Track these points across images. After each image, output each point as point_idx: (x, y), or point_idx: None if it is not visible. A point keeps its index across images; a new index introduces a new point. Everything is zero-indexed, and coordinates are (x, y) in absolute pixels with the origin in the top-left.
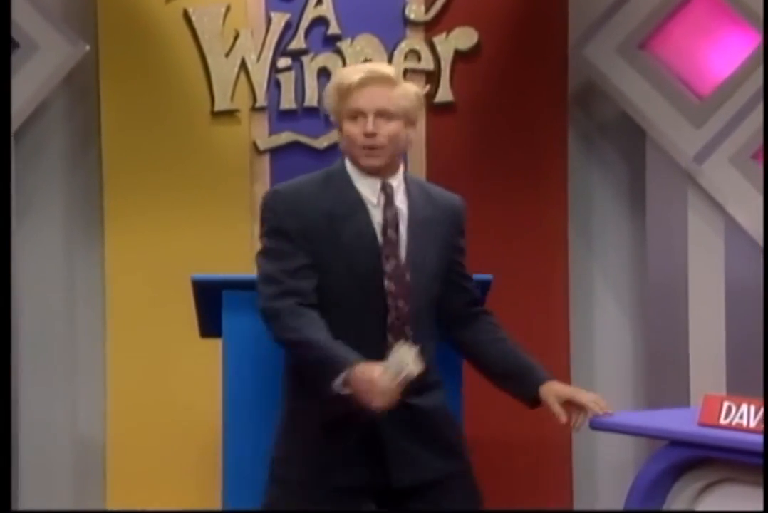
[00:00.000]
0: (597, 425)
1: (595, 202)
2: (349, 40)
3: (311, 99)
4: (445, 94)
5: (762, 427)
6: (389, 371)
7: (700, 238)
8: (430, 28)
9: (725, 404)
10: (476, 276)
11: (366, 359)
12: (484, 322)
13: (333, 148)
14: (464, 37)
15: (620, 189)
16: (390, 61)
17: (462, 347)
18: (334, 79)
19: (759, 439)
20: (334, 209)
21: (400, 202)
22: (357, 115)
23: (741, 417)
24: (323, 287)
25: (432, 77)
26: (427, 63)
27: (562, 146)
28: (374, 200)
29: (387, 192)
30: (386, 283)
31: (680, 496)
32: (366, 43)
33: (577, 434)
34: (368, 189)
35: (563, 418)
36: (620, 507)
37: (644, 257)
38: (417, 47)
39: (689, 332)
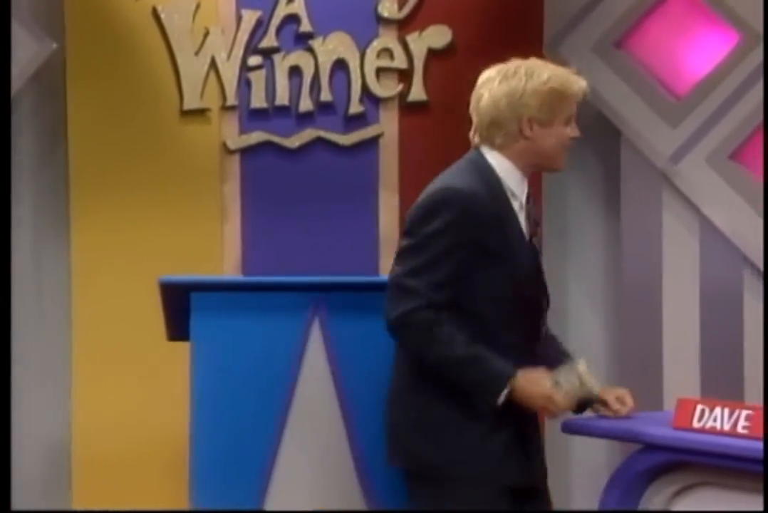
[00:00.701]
0: (569, 428)
1: (569, 202)
2: (321, 39)
3: (282, 98)
4: (418, 92)
5: (738, 430)
6: (566, 387)
7: (675, 238)
8: (404, 26)
9: (699, 408)
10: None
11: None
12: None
13: (305, 148)
14: (438, 36)
15: (595, 189)
16: (362, 59)
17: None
18: (552, 82)
19: (733, 442)
20: (500, 212)
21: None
22: (571, 119)
23: (715, 420)
24: (480, 294)
25: (405, 76)
26: (400, 61)
27: None
28: (522, 200)
29: (529, 192)
30: (538, 287)
31: (654, 499)
32: (338, 41)
33: (550, 437)
34: (518, 188)
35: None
36: None
37: (619, 258)
38: (390, 45)
39: (663, 334)
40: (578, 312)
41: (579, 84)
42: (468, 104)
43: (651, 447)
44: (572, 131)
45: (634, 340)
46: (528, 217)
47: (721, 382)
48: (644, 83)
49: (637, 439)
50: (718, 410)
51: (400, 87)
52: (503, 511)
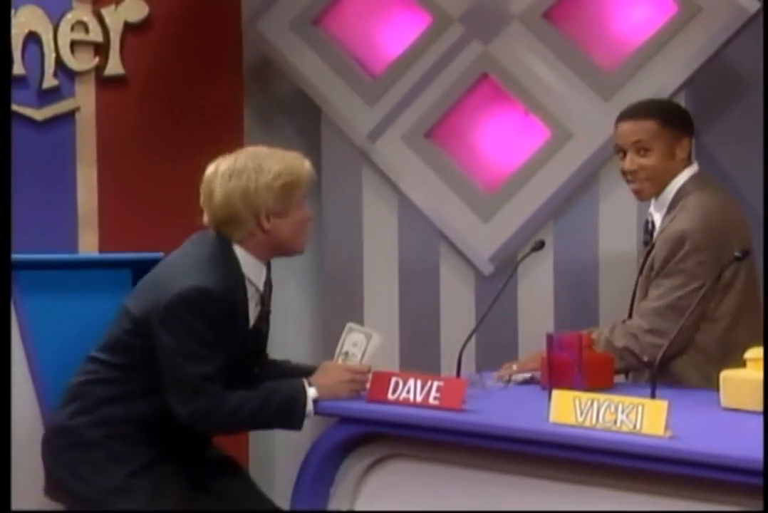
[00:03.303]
0: None
1: None
2: (12, 11)
3: None
4: (115, 66)
5: (430, 401)
6: (355, 350)
7: (375, 214)
8: None
9: (393, 380)
10: (145, 254)
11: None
12: None
13: None
14: (134, 9)
15: None
16: (56, 32)
17: None
18: (283, 176)
19: (424, 413)
20: (234, 308)
21: None
22: (303, 200)
23: (408, 392)
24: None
25: (101, 49)
26: (95, 35)
27: (238, 121)
28: (260, 287)
29: (268, 277)
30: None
31: (349, 472)
32: (30, 14)
33: None
34: (257, 278)
35: None
36: None
37: (321, 235)
38: (84, 19)
39: (364, 306)
40: (282, 285)
41: (305, 168)
42: (168, 79)
43: (346, 420)
44: (307, 212)
45: (336, 315)
46: (262, 301)
47: (419, 353)
48: (341, 61)
49: (333, 413)
50: (411, 382)
51: (96, 61)
52: None
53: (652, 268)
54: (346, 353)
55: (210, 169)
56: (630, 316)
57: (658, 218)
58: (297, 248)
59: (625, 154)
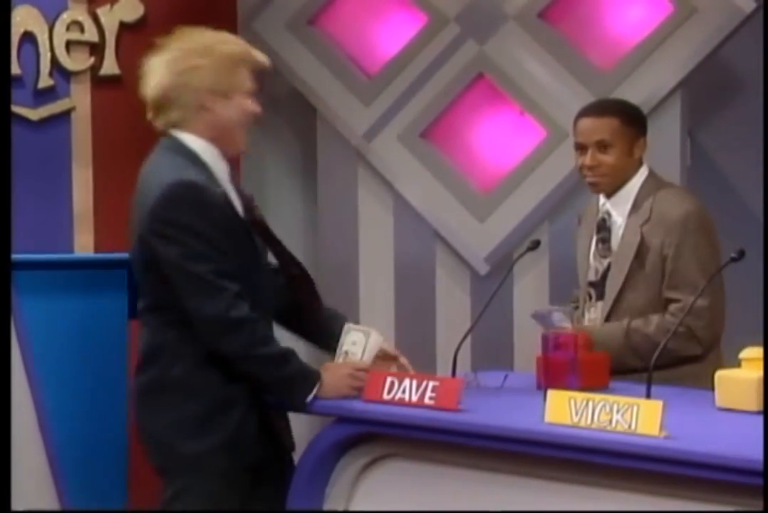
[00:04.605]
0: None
1: (269, 179)
2: None
3: None
4: (110, 66)
5: (425, 401)
6: (355, 349)
7: (370, 214)
8: None
9: (389, 380)
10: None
11: None
12: None
13: None
14: (129, 9)
15: (294, 166)
16: (51, 32)
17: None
18: (226, 48)
19: (419, 413)
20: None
21: None
22: (251, 94)
23: (404, 392)
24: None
25: (96, 49)
26: (90, 35)
27: None
28: (227, 177)
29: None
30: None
31: (344, 472)
32: (25, 14)
33: None
34: (220, 166)
35: None
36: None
37: (317, 233)
38: (80, 18)
39: (360, 306)
40: None
41: (250, 49)
42: None
43: (342, 420)
44: (254, 105)
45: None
46: (248, 209)
47: (414, 353)
48: (337, 61)
49: (329, 412)
50: (407, 382)
51: (92, 60)
52: None
53: (642, 258)
54: (347, 352)
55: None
56: (590, 297)
57: (617, 215)
58: (240, 143)
59: (584, 149)
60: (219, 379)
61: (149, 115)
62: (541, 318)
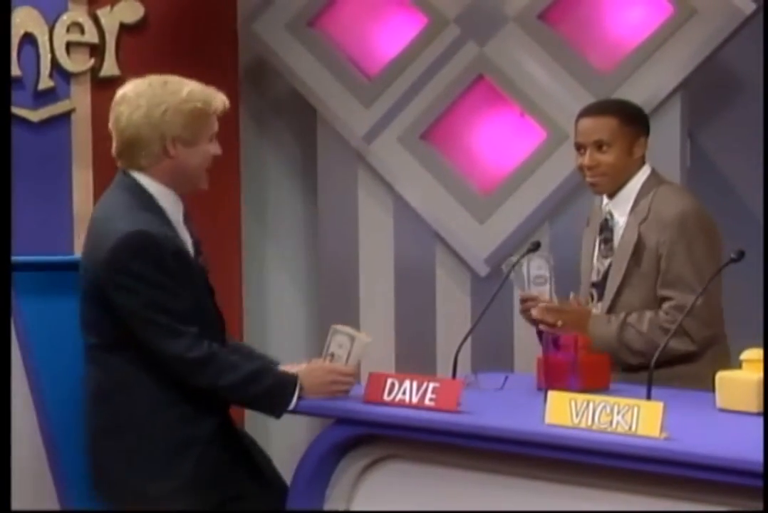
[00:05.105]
0: None
1: (269, 180)
2: None
3: None
4: (110, 67)
5: (425, 402)
6: (341, 351)
7: (370, 215)
8: (94, 0)
9: (389, 381)
10: None
11: None
12: None
13: None
14: (129, 11)
15: (294, 167)
16: (51, 34)
17: None
18: (194, 100)
19: (419, 414)
20: (176, 243)
21: None
22: (214, 136)
23: (404, 393)
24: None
25: (97, 51)
26: (91, 36)
27: (234, 123)
28: (180, 219)
29: (185, 211)
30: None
31: (345, 473)
32: (25, 15)
33: (249, 414)
34: (175, 209)
35: None
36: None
37: (317, 235)
38: (80, 20)
39: (360, 308)
40: (279, 291)
41: (219, 99)
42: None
43: (342, 421)
44: (215, 149)
45: (332, 314)
46: (197, 250)
47: (414, 354)
48: (337, 63)
49: (329, 414)
50: (407, 383)
51: (92, 62)
52: None
53: (639, 256)
54: (332, 355)
55: (120, 91)
56: (593, 297)
57: (618, 215)
58: (200, 183)
59: (583, 149)
60: (175, 419)
61: (113, 151)
62: (513, 267)
